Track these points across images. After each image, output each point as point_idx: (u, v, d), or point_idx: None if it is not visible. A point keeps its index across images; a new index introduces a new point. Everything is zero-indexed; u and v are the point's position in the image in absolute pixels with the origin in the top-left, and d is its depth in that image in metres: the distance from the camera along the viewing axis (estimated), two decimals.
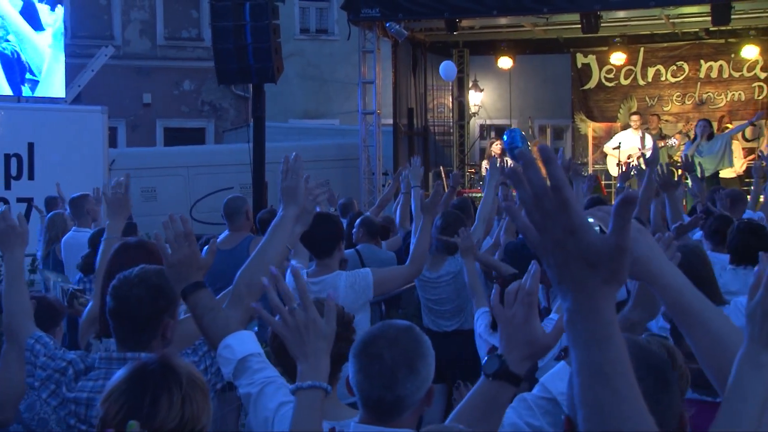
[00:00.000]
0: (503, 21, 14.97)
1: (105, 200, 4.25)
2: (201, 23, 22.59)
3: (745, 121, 14.11)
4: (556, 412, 2.36)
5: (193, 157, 15.97)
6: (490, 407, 2.10)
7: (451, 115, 17.40)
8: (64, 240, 7.06)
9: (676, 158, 13.46)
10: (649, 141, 13.76)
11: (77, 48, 17.68)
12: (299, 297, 2.23)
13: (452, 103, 17.35)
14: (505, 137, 13.94)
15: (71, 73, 13.39)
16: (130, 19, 22.59)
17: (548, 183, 1.26)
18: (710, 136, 13.12)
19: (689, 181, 7.99)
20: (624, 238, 1.25)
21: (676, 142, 14.09)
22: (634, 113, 14.81)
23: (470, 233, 5.32)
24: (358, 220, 6.92)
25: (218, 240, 6.46)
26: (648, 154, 12.24)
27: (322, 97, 23.11)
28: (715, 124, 14.19)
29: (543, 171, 1.28)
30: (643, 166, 5.91)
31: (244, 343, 2.62)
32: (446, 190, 7.04)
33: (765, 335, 1.72)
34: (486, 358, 2.10)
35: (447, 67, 15.37)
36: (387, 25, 13.71)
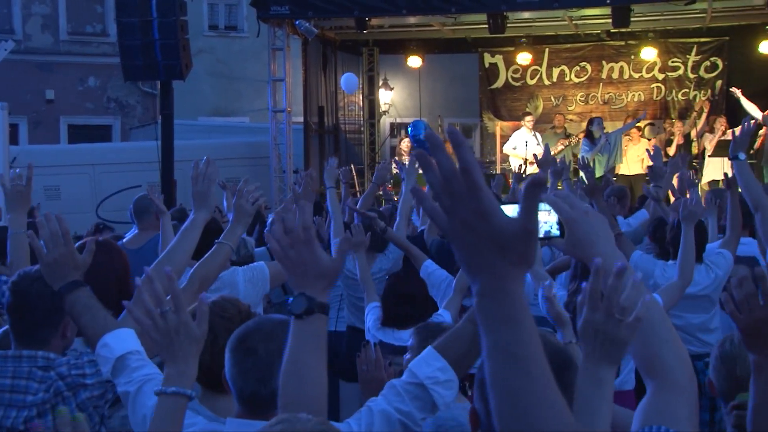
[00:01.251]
0: (412, 20, 15.10)
1: (4, 193, 4.14)
2: (106, 18, 22.10)
3: (632, 120, 14.60)
4: (424, 397, 2.39)
5: (98, 155, 15.59)
6: (317, 342, 2.09)
7: (361, 113, 17.48)
8: None
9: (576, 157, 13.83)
10: (539, 140, 14.08)
11: None
12: (172, 300, 2.18)
13: (363, 101, 17.44)
14: (409, 129, 14.12)
15: None
16: (31, 12, 21.94)
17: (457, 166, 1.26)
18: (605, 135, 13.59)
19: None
20: (532, 221, 1.25)
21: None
22: (526, 113, 15.07)
23: (362, 228, 5.41)
24: (269, 219, 6.91)
25: (126, 239, 6.37)
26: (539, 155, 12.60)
27: (231, 94, 22.89)
28: (621, 123, 14.68)
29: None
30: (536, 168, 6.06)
31: (122, 341, 2.60)
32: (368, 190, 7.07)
33: (598, 352, 1.74)
34: (290, 300, 2.09)
35: (348, 80, 15.37)
36: (297, 22, 13.68)
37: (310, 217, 2.16)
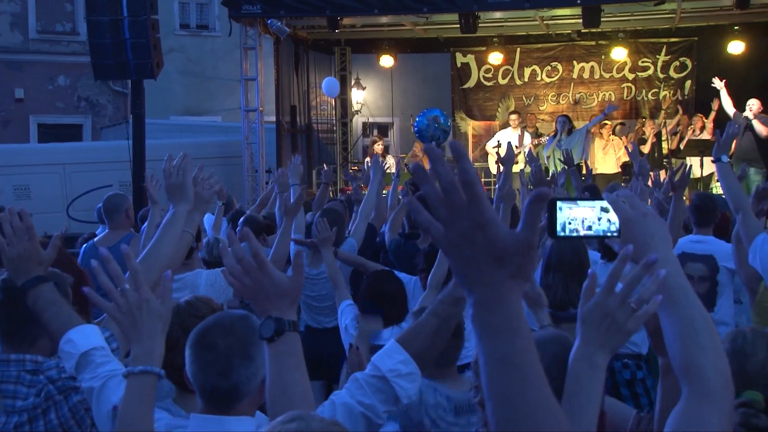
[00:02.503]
0: (384, 20, 15.11)
1: None
2: (76, 17, 21.92)
3: (598, 116, 14.69)
4: (387, 390, 2.41)
5: (69, 155, 15.46)
6: (295, 360, 2.09)
7: (333, 112, 17.47)
8: None
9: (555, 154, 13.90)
10: (527, 139, 14.19)
11: None
12: (131, 277, 2.17)
13: (335, 101, 17.43)
14: (417, 124, 14.18)
15: None
16: (0, 11, 21.71)
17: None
18: (570, 131, 13.65)
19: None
20: (533, 234, 1.25)
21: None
22: (513, 112, 15.16)
23: (327, 225, 5.42)
24: (241, 219, 6.90)
25: (97, 238, 6.34)
26: (525, 151, 12.68)
27: (203, 93, 22.79)
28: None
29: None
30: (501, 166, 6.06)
31: (87, 336, 2.59)
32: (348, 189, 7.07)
33: (600, 337, 1.75)
34: (259, 324, 2.08)
35: (330, 84, 15.35)
36: (269, 22, 13.65)
37: (257, 242, 2.15)
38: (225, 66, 21.07)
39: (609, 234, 1.78)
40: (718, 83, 13.29)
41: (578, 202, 1.75)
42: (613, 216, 1.78)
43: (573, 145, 13.44)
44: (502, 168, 5.49)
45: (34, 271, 2.68)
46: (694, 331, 1.77)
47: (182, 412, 2.57)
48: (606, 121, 14.34)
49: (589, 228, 1.76)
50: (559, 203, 1.72)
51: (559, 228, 1.71)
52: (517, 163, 13.06)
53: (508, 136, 14.06)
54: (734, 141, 12.88)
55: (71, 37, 22.14)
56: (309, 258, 6.04)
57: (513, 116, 14.74)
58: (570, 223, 1.72)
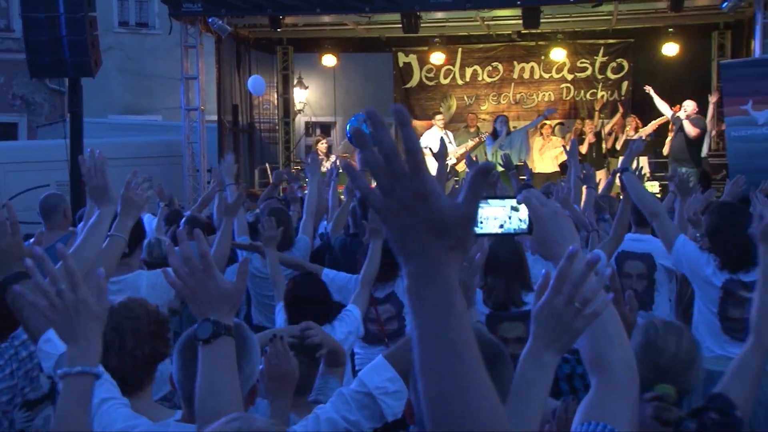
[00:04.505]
0: (327, 19, 15.10)
1: None
2: (11, 13, 21.41)
3: (538, 117, 14.90)
4: (373, 407, 2.40)
5: (4, 154, 15.13)
6: (228, 364, 2.09)
7: (276, 112, 17.41)
8: None
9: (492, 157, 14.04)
10: (450, 138, 14.24)
11: None
12: (67, 277, 2.13)
13: (277, 100, 17.37)
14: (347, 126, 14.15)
15: None
16: None
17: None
18: (508, 132, 13.81)
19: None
20: (474, 208, 1.24)
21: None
22: (436, 113, 15.20)
23: (273, 223, 5.41)
24: (183, 219, 6.85)
25: (34, 238, 6.22)
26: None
27: (143, 92, 22.48)
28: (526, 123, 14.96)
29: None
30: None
31: None
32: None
33: (549, 336, 1.76)
34: (195, 326, 2.09)
35: (255, 82, 15.24)
36: (210, 20, 13.55)
37: (206, 244, 2.13)
38: (165, 64, 20.81)
39: (519, 231, 1.82)
40: (648, 90, 13.58)
41: (489, 201, 1.79)
42: (522, 214, 1.81)
43: (514, 146, 13.61)
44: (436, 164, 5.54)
45: (16, 266, 2.62)
46: (602, 326, 1.80)
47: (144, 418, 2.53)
48: (545, 121, 14.56)
49: (501, 226, 1.80)
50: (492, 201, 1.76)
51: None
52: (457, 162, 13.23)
53: (435, 136, 14.09)
54: (669, 139, 13.22)
55: (5, 33, 21.64)
56: (262, 258, 6.02)
57: (438, 117, 14.74)
58: (482, 222, 1.76)
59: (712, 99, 12.71)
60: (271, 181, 14.37)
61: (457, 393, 1.21)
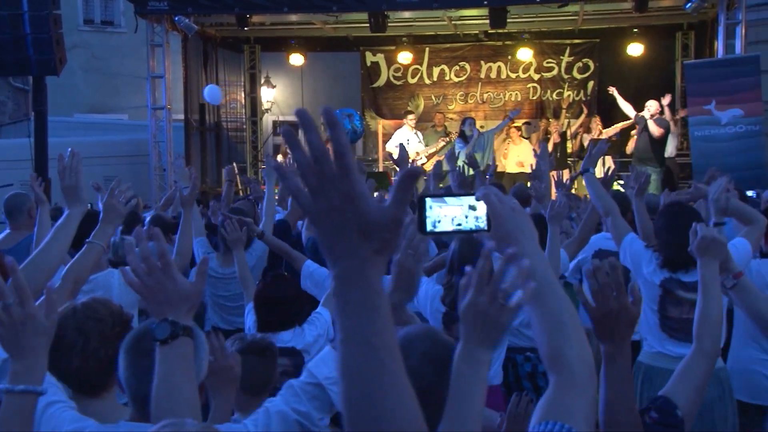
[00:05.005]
0: (294, 18, 15.06)
1: None
2: None
3: (504, 119, 14.97)
4: (323, 397, 2.41)
5: None
6: (185, 365, 2.08)
7: (243, 111, 17.35)
8: None
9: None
10: (420, 138, 14.28)
11: None
12: (15, 292, 2.09)
13: (245, 99, 17.31)
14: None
15: None
16: None
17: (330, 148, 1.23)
18: (478, 134, 13.83)
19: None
20: (401, 211, 1.24)
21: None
22: (408, 112, 15.20)
23: (237, 225, 5.40)
24: (148, 218, 6.81)
25: None
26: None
27: (109, 90, 22.29)
28: (498, 122, 15.02)
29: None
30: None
31: None
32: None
33: (478, 335, 1.78)
34: (154, 326, 2.07)
35: (211, 92, 15.13)
36: (176, 18, 13.46)
37: (165, 243, 2.12)
38: (131, 63, 20.63)
39: (478, 230, 1.83)
40: (612, 91, 13.72)
41: (446, 199, 1.80)
42: (480, 212, 1.82)
43: (485, 147, 13.69)
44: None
45: None
46: (560, 323, 1.81)
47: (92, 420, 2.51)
48: (515, 124, 14.66)
49: (459, 225, 1.81)
50: (428, 200, 1.77)
51: (428, 225, 1.76)
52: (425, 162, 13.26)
53: (406, 135, 14.15)
54: (632, 139, 13.36)
55: None
56: (220, 259, 6.01)
57: (410, 116, 14.73)
58: (439, 221, 1.77)
59: (665, 101, 12.84)
60: (238, 180, 14.36)
61: (375, 397, 1.21)
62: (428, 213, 1.75)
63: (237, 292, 5.99)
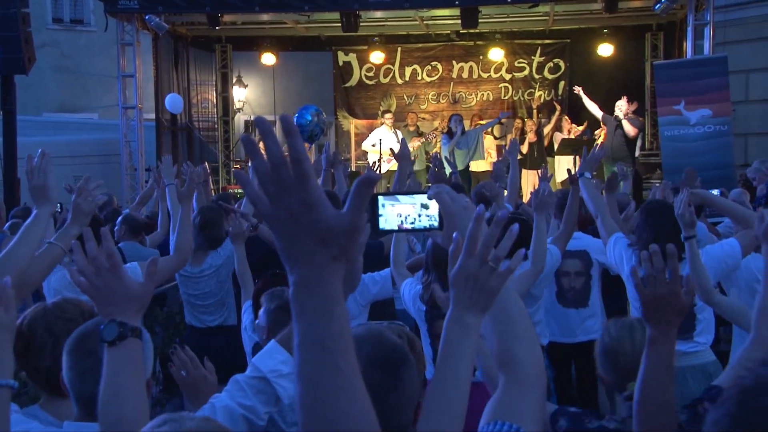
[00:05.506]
0: (266, 17, 15.04)
1: None
2: None
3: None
4: (268, 391, 2.41)
5: None
6: (133, 366, 2.07)
7: (215, 110, 17.27)
8: None
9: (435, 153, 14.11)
10: (398, 137, 14.29)
11: None
12: None
13: (216, 98, 17.24)
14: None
15: None
16: None
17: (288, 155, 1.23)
18: (463, 131, 13.90)
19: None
20: (359, 217, 1.25)
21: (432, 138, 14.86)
22: (386, 111, 15.23)
23: (241, 221, 5.35)
24: (119, 218, 6.77)
25: None
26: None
27: (78, 90, 22.10)
28: (467, 123, 15.05)
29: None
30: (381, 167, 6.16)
31: None
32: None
33: (467, 298, 1.77)
34: (102, 327, 2.06)
35: (172, 100, 14.98)
36: (147, 17, 13.38)
37: (113, 244, 2.11)
38: (101, 62, 20.48)
39: (430, 228, 1.84)
40: (578, 90, 13.82)
41: (399, 198, 1.81)
42: (433, 210, 1.83)
43: (471, 145, 13.74)
44: (396, 165, 5.58)
45: None
46: (510, 323, 1.84)
47: (50, 419, 2.48)
48: (481, 121, 14.71)
49: (412, 223, 1.82)
50: (380, 199, 1.78)
51: (381, 223, 1.76)
52: (390, 161, 13.25)
53: (384, 134, 14.17)
54: (601, 139, 13.46)
55: None
56: (191, 256, 5.97)
57: (387, 115, 14.74)
58: (392, 219, 1.78)
59: (632, 107, 12.93)
60: (210, 179, 14.29)
61: (329, 400, 1.23)
62: (381, 211, 1.76)
63: (206, 290, 5.98)
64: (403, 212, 1.80)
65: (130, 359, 2.05)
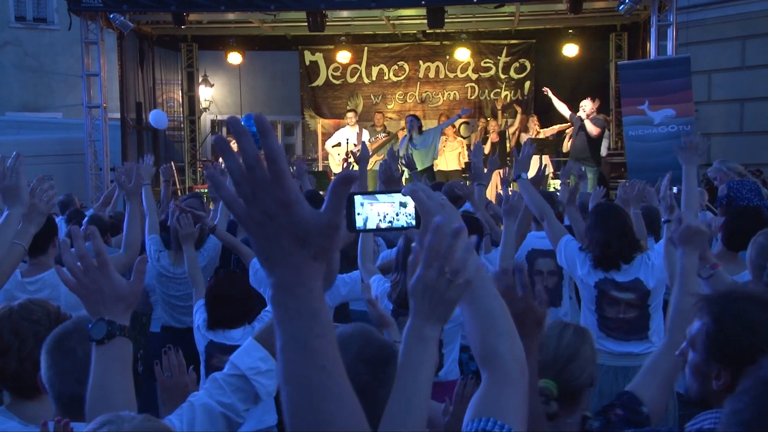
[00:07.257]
0: (232, 16, 14.98)
1: None
2: None
3: (454, 116, 15.09)
4: (246, 388, 2.42)
5: None
6: (122, 365, 2.06)
7: (181, 109, 17.17)
8: None
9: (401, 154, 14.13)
10: (365, 136, 14.31)
11: None
12: None
13: (182, 97, 17.13)
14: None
15: None
16: None
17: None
18: (420, 130, 13.81)
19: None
20: (337, 216, 1.24)
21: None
22: (350, 110, 15.20)
23: (191, 221, 5.36)
24: (85, 218, 6.71)
25: None
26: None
27: (42, 89, 21.86)
28: (435, 122, 15.10)
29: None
30: (356, 165, 6.16)
31: None
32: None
33: (426, 310, 1.77)
34: (90, 325, 2.06)
35: (157, 116, 14.88)
36: (111, 16, 13.27)
37: (102, 242, 2.11)
38: (65, 61, 20.29)
39: (408, 226, 1.85)
40: (546, 91, 13.91)
41: (377, 196, 1.81)
42: (410, 209, 1.83)
43: (429, 145, 13.74)
44: (357, 167, 5.58)
45: None
46: (492, 320, 1.84)
47: (16, 420, 2.47)
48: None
49: (390, 222, 1.82)
50: (357, 198, 1.78)
51: (359, 222, 1.78)
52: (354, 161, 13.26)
53: (347, 134, 14.15)
54: (570, 140, 13.58)
55: None
56: (172, 257, 5.95)
57: (350, 114, 14.73)
58: (370, 218, 1.78)
59: (595, 105, 13.05)
60: (176, 179, 14.22)
61: (316, 402, 1.22)
62: (359, 210, 1.77)
63: (189, 291, 5.94)
64: (381, 211, 1.80)
65: (118, 358, 2.05)
